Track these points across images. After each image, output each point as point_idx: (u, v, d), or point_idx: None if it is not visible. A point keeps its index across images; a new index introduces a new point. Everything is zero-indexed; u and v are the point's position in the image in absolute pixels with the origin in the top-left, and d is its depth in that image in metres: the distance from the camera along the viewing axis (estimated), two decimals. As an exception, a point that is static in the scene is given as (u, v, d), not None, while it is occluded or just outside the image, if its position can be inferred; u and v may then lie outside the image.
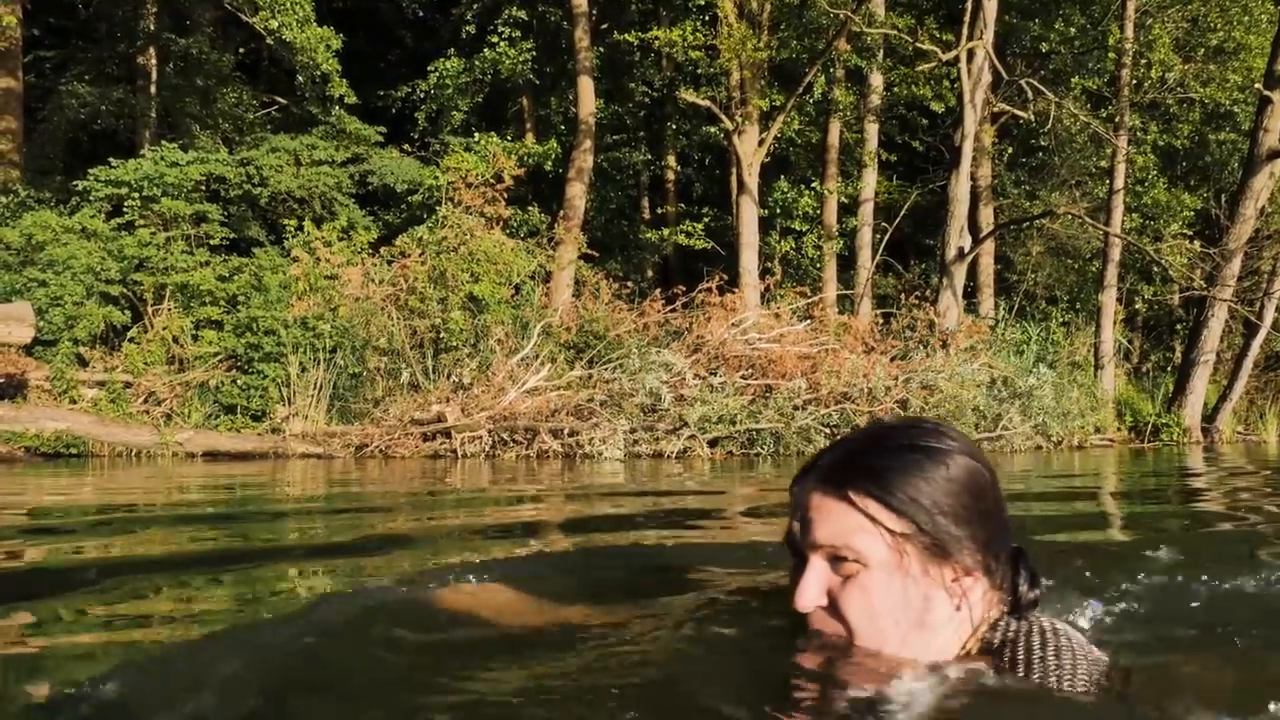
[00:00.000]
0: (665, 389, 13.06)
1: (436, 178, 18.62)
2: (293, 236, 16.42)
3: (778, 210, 22.78)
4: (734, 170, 19.93)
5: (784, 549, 1.80)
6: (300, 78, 18.90)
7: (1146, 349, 25.34)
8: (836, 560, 1.68)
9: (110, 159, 16.77)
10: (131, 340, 14.41)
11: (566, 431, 12.47)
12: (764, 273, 19.00)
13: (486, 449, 12.41)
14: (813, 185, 22.72)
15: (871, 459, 1.71)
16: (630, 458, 12.12)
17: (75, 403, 12.79)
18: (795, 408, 13.32)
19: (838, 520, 1.68)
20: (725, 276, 16.89)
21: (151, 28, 21.08)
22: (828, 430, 13.37)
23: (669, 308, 15.56)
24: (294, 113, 22.82)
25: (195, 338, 14.54)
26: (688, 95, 19.92)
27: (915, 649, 1.69)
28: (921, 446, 1.72)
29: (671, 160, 25.03)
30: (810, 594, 1.67)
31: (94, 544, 4.10)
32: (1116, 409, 18.98)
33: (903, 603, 1.68)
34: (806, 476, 1.75)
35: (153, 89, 20.94)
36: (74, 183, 16.93)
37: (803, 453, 12.85)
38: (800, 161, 24.19)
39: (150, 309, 15.01)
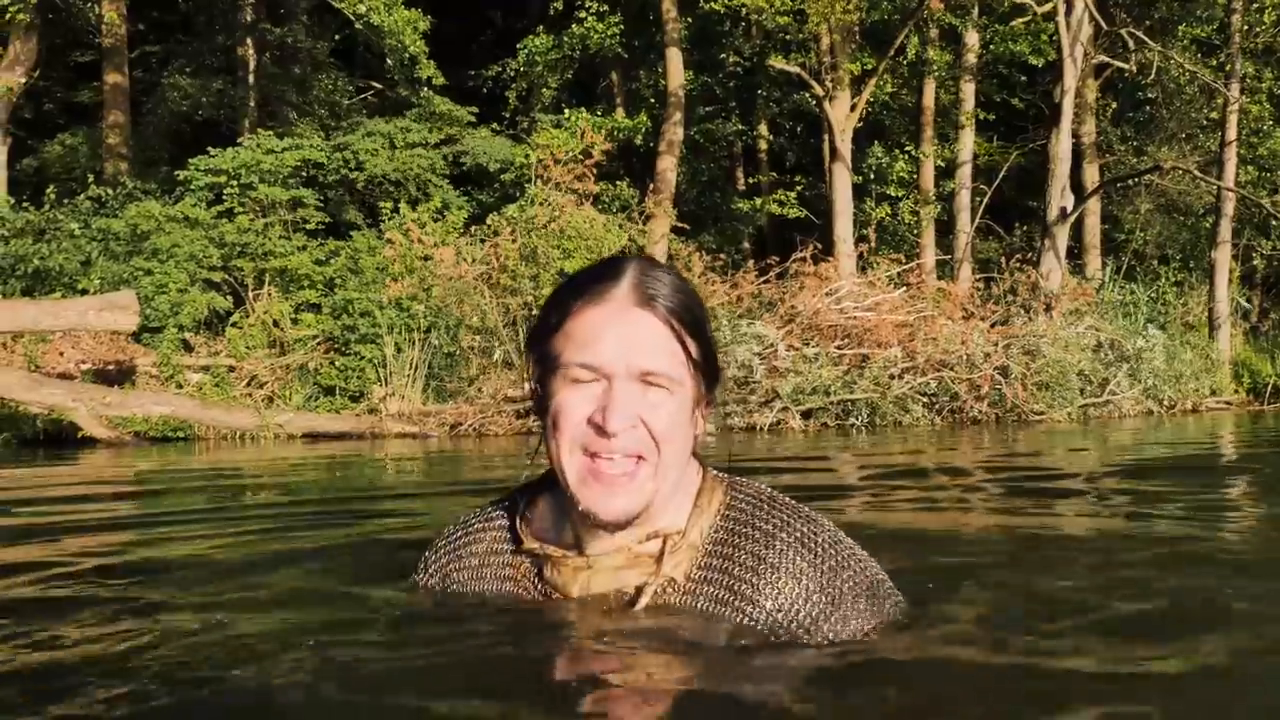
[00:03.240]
0: (757, 361, 12.90)
1: (527, 155, 18.68)
2: (389, 219, 16.64)
3: (872, 176, 22.34)
4: (827, 137, 19.59)
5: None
6: (390, 60, 19.10)
7: (1266, 307, 24.25)
8: (647, 385, 1.70)
9: (209, 149, 17.21)
10: (234, 325, 14.80)
11: (658, 405, 12.39)
12: (859, 240, 18.65)
13: (579, 424, 12.41)
14: (908, 149, 22.20)
15: (672, 290, 1.74)
16: (722, 430, 12.02)
17: (181, 387, 13.18)
18: (891, 377, 13.04)
19: (661, 346, 1.71)
20: (820, 245, 16.61)
21: (249, 19, 21.55)
22: (925, 399, 13.08)
23: (762, 279, 15.36)
24: (389, 97, 23.12)
25: (295, 321, 14.86)
26: (777, 63, 19.60)
27: (682, 475, 1.79)
28: (685, 282, 1.78)
29: (763, 129, 24.71)
30: (630, 413, 1.69)
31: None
32: (1234, 370, 18.22)
33: (688, 428, 1.77)
34: (601, 301, 1.73)
35: (251, 79, 21.41)
36: (177, 173, 17.42)
37: (899, 423, 12.60)
38: (894, 125, 23.67)
39: (251, 294, 15.39)
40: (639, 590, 1.77)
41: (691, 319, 1.74)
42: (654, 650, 1.68)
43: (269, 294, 15.35)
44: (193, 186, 16.73)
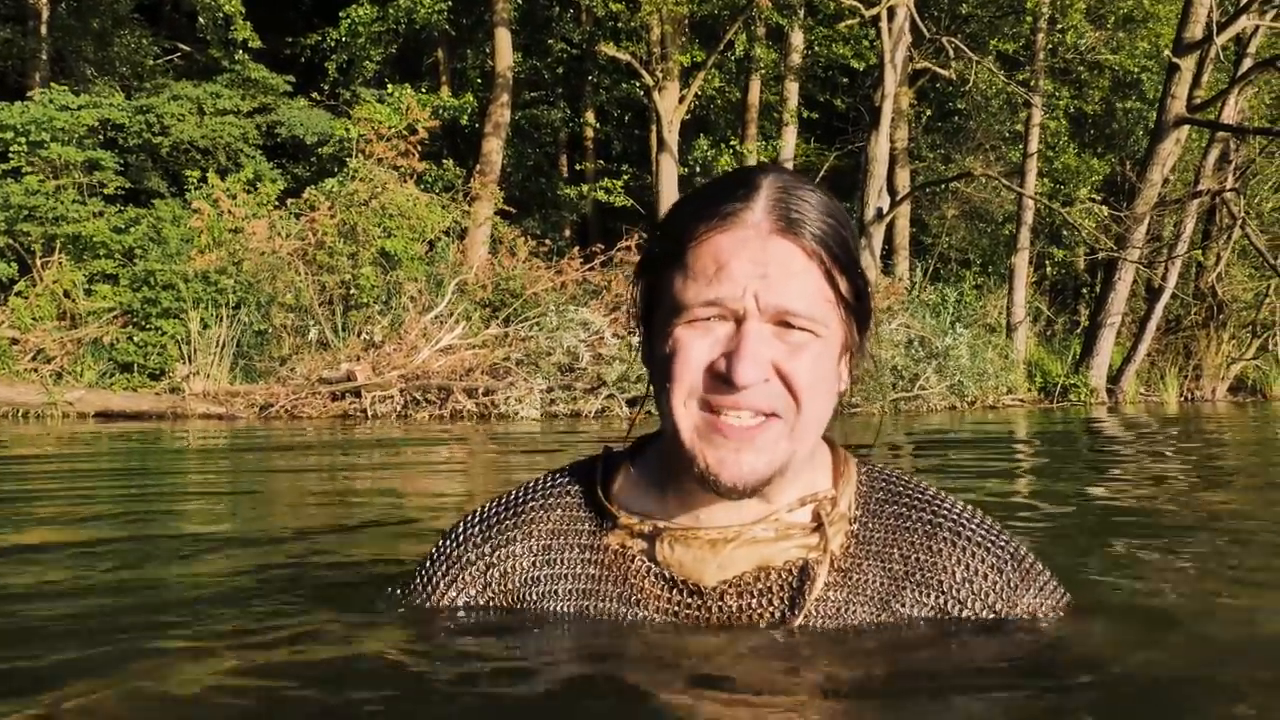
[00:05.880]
0: (583, 347, 12.80)
1: (347, 129, 17.98)
2: (195, 188, 15.74)
3: (698, 169, 22.52)
4: (654, 127, 19.63)
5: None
6: (202, 19, 18.04)
7: (1053, 312, 25.76)
8: (786, 327, 1.40)
9: (-6, 101, 15.87)
10: (18, 294, 13.69)
11: (481, 391, 12.15)
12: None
13: (398, 408, 12.05)
14: (732, 144, 22.52)
15: (820, 213, 1.43)
16: (547, 417, 11.87)
17: (-44, 359, 12.10)
18: (715, 367, 13.16)
19: (805, 281, 1.40)
20: (644, 235, 16.63)
21: (43, -35, 19.95)
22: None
23: (587, 266, 15.27)
24: (198, 60, 21.87)
25: (88, 292, 13.86)
26: (608, 49, 19.49)
27: (819, 439, 1.52)
28: (835, 202, 1.47)
29: (590, 117, 24.58)
30: (763, 361, 1.38)
31: None
32: (1027, 370, 19.23)
33: (832, 381, 1.47)
34: (730, 225, 1.41)
35: (44, 29, 19.82)
36: (-46, 127, 15.97)
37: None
38: (720, 120, 23.96)
39: (39, 261, 14.25)
40: (798, 569, 1.49)
41: (844, 249, 1.43)
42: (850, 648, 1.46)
43: (59, 262, 14.25)
44: (-27, 142, 15.37)
